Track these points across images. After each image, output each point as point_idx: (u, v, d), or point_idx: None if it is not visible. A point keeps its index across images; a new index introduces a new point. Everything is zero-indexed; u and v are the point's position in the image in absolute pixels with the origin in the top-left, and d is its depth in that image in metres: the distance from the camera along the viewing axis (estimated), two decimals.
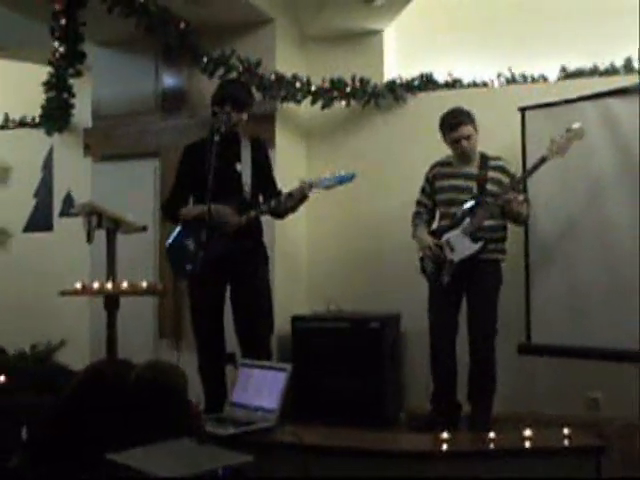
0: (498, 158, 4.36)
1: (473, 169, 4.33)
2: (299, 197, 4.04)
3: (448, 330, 4.32)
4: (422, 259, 4.40)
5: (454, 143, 4.32)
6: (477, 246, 4.21)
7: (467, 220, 4.23)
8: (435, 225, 4.47)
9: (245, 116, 4.16)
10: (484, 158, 4.34)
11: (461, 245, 4.23)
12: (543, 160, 4.14)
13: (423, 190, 4.50)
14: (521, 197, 4.24)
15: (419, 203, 4.52)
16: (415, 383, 4.96)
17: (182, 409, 2.90)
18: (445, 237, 4.29)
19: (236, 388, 3.68)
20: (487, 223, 4.23)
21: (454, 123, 4.29)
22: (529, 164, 4.34)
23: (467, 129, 4.28)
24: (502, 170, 4.32)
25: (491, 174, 4.30)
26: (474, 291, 4.28)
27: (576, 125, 4.11)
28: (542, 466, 3.13)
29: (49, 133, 6.10)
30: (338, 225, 5.45)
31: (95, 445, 2.59)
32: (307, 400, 4.74)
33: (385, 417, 4.73)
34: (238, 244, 4.04)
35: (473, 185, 4.29)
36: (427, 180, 4.48)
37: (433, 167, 4.46)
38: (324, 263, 5.48)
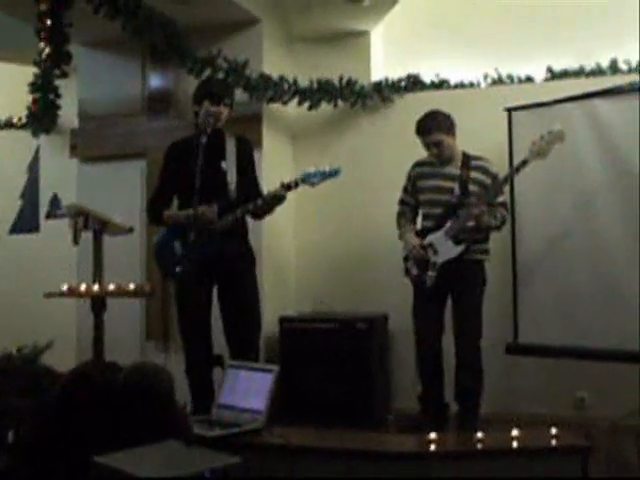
0: (480, 158, 4.37)
1: (455, 169, 4.34)
2: (273, 201, 4.04)
3: (434, 331, 4.33)
4: (406, 261, 4.41)
5: (426, 148, 4.35)
6: (460, 248, 4.22)
7: (449, 222, 4.24)
8: (418, 225, 4.48)
9: (225, 110, 4.13)
10: (466, 158, 4.35)
11: (444, 247, 4.24)
12: (524, 163, 4.16)
13: (405, 189, 4.51)
14: (500, 199, 4.27)
15: (402, 202, 4.53)
16: (403, 383, 4.97)
17: (169, 411, 2.89)
18: (428, 239, 4.30)
19: (223, 390, 3.67)
20: (469, 224, 4.23)
21: (423, 129, 4.31)
22: (514, 165, 4.35)
23: (435, 136, 4.28)
24: (484, 171, 4.33)
25: (473, 174, 4.31)
26: (458, 292, 4.29)
27: (557, 127, 4.12)
28: (529, 466, 3.13)
29: (35, 134, 6.08)
30: (326, 226, 5.45)
31: (82, 447, 2.58)
32: (295, 401, 4.74)
33: (373, 418, 4.74)
34: (225, 246, 4.03)
35: (455, 186, 4.30)
36: (409, 179, 4.48)
37: (414, 166, 4.47)
38: (312, 264, 5.47)
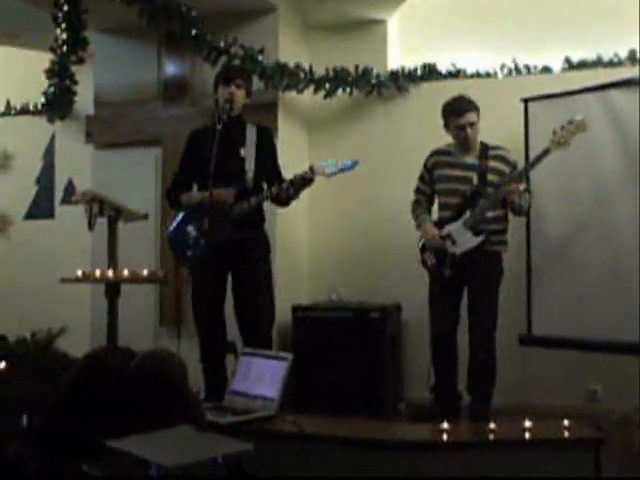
0: (499, 147, 4.34)
1: (473, 159, 4.31)
2: (302, 183, 4.02)
3: (449, 322, 4.32)
4: (422, 252, 4.39)
5: (458, 130, 4.29)
6: (479, 239, 4.20)
7: (468, 212, 4.22)
8: (435, 215, 4.46)
9: (238, 91, 4.11)
10: (484, 148, 4.32)
11: (462, 238, 4.21)
12: (546, 152, 4.12)
13: (422, 178, 4.48)
14: (522, 187, 4.23)
15: (418, 191, 4.50)
16: (415, 373, 4.96)
17: (182, 397, 2.90)
18: (446, 229, 4.27)
19: (236, 377, 3.67)
20: (488, 214, 4.21)
21: (460, 109, 4.27)
22: (532, 155, 4.33)
23: (472, 116, 4.26)
24: (503, 160, 4.30)
25: (492, 164, 4.28)
26: (475, 283, 4.27)
27: (579, 117, 4.09)
28: (541, 457, 3.12)
29: (51, 120, 6.08)
30: (340, 215, 5.44)
31: (94, 433, 2.59)
32: (307, 389, 4.75)
33: (385, 407, 4.74)
34: (240, 232, 4.04)
35: (473, 175, 4.27)
36: (425, 168, 4.46)
37: (432, 155, 4.44)
38: (325, 253, 5.47)
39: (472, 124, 4.26)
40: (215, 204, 3.94)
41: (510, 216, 4.35)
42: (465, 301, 4.32)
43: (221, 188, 3.95)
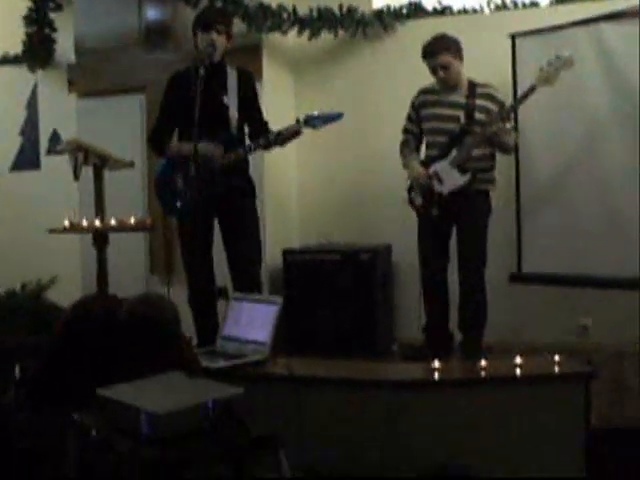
0: (486, 85, 4.28)
1: (460, 97, 4.26)
2: (290, 135, 3.98)
3: (439, 261, 4.33)
4: (410, 191, 4.37)
5: (432, 71, 4.25)
6: (466, 178, 4.17)
7: (455, 151, 4.19)
8: (422, 154, 4.43)
9: (218, 37, 4.02)
10: (472, 86, 4.27)
11: (450, 177, 4.19)
12: (532, 89, 4.07)
13: (409, 117, 4.44)
14: (508, 126, 4.20)
15: (406, 130, 4.46)
16: (407, 313, 4.98)
17: (174, 341, 2.90)
18: (433, 168, 4.24)
19: (228, 322, 3.68)
20: (475, 153, 4.18)
21: (430, 51, 4.22)
22: (519, 91, 4.29)
23: (444, 58, 4.19)
24: (490, 98, 4.25)
25: (479, 102, 4.23)
26: (463, 222, 4.26)
27: (566, 53, 4.03)
28: (532, 393, 3.15)
29: (32, 69, 5.98)
30: (329, 157, 5.40)
31: (86, 380, 2.60)
32: (299, 332, 4.78)
33: (377, 348, 4.77)
34: (226, 180, 4.00)
35: (460, 114, 4.22)
36: (413, 107, 4.41)
37: (419, 94, 4.39)
38: (315, 196, 5.45)
39: (444, 66, 4.20)
40: (201, 159, 3.90)
41: (498, 154, 4.32)
42: (455, 240, 4.31)
43: (204, 138, 3.89)
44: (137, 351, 2.77)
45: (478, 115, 4.20)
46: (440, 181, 4.20)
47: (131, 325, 2.82)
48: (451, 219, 4.26)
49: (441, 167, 4.21)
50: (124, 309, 2.87)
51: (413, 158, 4.38)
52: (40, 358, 2.89)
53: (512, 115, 4.29)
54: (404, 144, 4.46)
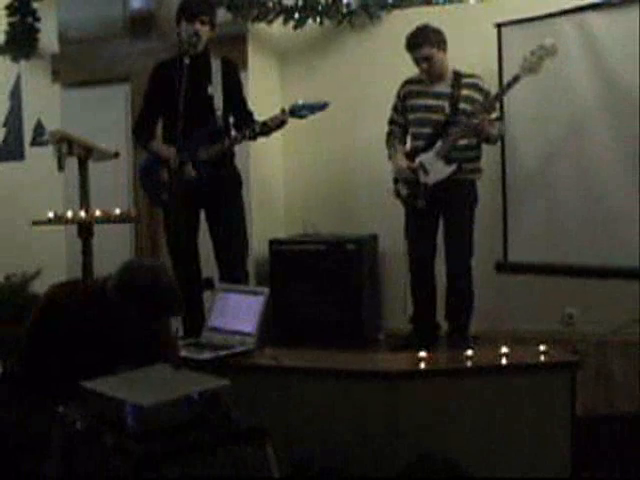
0: (472, 75, 4.28)
1: (445, 87, 4.26)
2: (276, 125, 3.97)
3: (426, 252, 4.33)
4: (396, 182, 4.37)
5: (416, 64, 4.25)
6: (451, 168, 4.17)
7: (440, 141, 4.18)
8: (408, 145, 4.42)
9: (202, 28, 4.00)
10: (457, 76, 4.26)
11: (435, 167, 4.19)
12: (516, 79, 4.06)
13: (395, 108, 4.43)
14: (493, 116, 4.20)
15: (392, 121, 4.45)
16: (394, 303, 4.98)
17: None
18: (418, 159, 4.24)
19: (214, 313, 3.67)
20: (461, 143, 4.18)
21: (413, 44, 4.21)
22: (505, 81, 4.28)
23: (426, 51, 4.18)
24: (476, 88, 4.25)
25: (464, 92, 4.22)
26: (450, 212, 4.26)
27: (548, 41, 4.03)
28: (518, 382, 3.16)
29: (15, 59, 5.94)
30: (314, 147, 5.38)
31: (69, 371, 2.59)
32: (285, 323, 4.78)
33: (364, 338, 4.77)
34: (211, 170, 3.99)
35: (445, 104, 4.22)
36: (398, 97, 4.41)
37: (404, 84, 4.39)
38: (301, 186, 5.43)
39: (426, 58, 4.19)
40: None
41: (483, 144, 4.32)
42: (442, 230, 4.32)
43: (189, 128, 3.88)
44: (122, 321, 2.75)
45: (463, 105, 4.20)
46: (426, 172, 4.20)
47: (130, 293, 2.74)
48: (438, 210, 4.26)
49: (426, 158, 4.21)
50: (113, 280, 2.80)
51: (398, 150, 4.38)
52: (18, 353, 2.87)
53: (497, 105, 4.28)
54: (389, 135, 4.45)
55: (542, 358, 3.23)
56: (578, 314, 4.68)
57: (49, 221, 4.16)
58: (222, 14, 4.51)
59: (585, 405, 3.34)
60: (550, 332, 4.39)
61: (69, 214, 4.16)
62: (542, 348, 3.27)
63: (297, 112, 3.95)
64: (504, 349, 3.26)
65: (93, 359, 2.66)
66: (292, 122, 4.12)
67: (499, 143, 4.44)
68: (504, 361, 3.22)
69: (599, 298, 4.41)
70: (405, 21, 4.82)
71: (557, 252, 4.36)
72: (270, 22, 5.10)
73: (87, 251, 4.19)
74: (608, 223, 4.17)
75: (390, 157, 4.41)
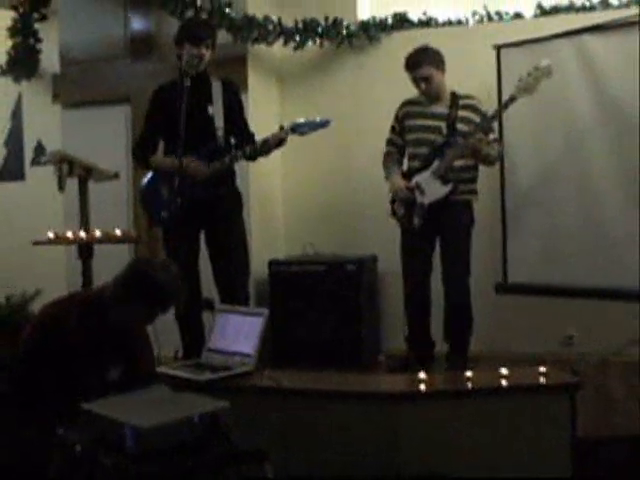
0: (469, 97, 4.31)
1: (443, 108, 4.28)
2: (275, 143, 3.99)
3: (422, 271, 4.33)
4: (393, 202, 4.38)
5: (415, 84, 4.27)
6: (447, 188, 4.18)
7: (436, 162, 4.20)
8: (405, 166, 4.44)
9: (206, 52, 4.04)
10: (455, 97, 4.29)
11: (431, 188, 4.20)
12: (512, 99, 4.10)
13: (393, 129, 4.46)
14: (491, 137, 4.22)
15: (389, 142, 4.47)
16: (393, 323, 4.96)
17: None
18: (415, 180, 4.26)
19: (214, 334, 3.66)
20: (457, 164, 4.20)
21: (412, 63, 4.24)
22: (501, 102, 4.30)
23: (425, 71, 4.21)
24: (473, 109, 4.27)
25: (461, 113, 4.25)
26: (446, 232, 4.27)
27: (544, 62, 4.05)
28: (518, 404, 3.15)
29: (17, 80, 5.96)
30: (314, 168, 5.40)
31: (64, 381, 2.60)
32: (285, 344, 4.78)
33: (363, 359, 4.77)
34: (212, 190, 4.00)
35: (442, 125, 4.25)
36: (396, 118, 4.43)
37: (402, 105, 4.41)
38: (300, 206, 5.45)
39: (425, 78, 4.22)
40: (185, 174, 3.89)
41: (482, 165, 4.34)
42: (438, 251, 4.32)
43: (190, 150, 3.89)
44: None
45: (460, 126, 4.22)
46: (422, 192, 4.22)
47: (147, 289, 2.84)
48: (433, 230, 4.27)
49: (423, 178, 4.22)
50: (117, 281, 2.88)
51: (395, 170, 4.40)
52: (14, 374, 2.87)
53: (494, 126, 4.30)
54: (387, 156, 4.47)
55: (542, 379, 3.22)
56: (578, 335, 4.68)
57: (49, 241, 4.17)
58: (222, 36, 4.54)
59: (585, 426, 3.32)
60: (549, 353, 4.38)
61: (69, 234, 4.17)
62: (542, 369, 3.26)
63: (298, 129, 3.96)
64: (504, 370, 3.25)
65: (87, 366, 2.68)
66: (291, 143, 4.14)
67: (497, 164, 4.45)
68: (504, 382, 3.21)
69: (599, 319, 4.41)
70: (404, 43, 4.84)
71: (556, 273, 4.36)
72: (270, 44, 5.14)
73: (87, 271, 4.19)
74: (607, 244, 4.17)
75: (387, 177, 4.43)
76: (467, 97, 4.30)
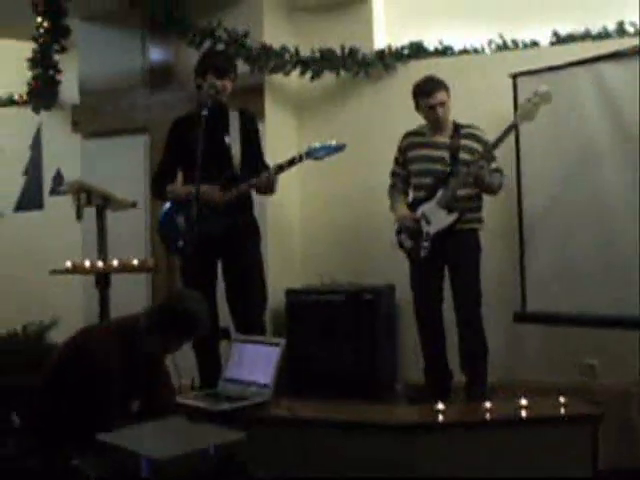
0: (470, 126, 4.32)
1: (445, 138, 4.29)
2: (289, 162, 4.00)
3: (433, 302, 4.32)
4: (399, 234, 4.37)
5: (429, 110, 4.27)
6: (452, 217, 4.19)
7: (441, 191, 4.20)
8: (410, 196, 4.44)
9: (229, 84, 4.08)
10: (456, 127, 4.31)
11: (437, 217, 4.20)
12: (512, 127, 4.12)
13: (397, 160, 4.48)
14: (493, 165, 4.21)
15: (393, 174, 4.50)
16: (410, 354, 4.93)
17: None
18: (420, 210, 4.26)
19: (230, 364, 3.66)
20: (462, 193, 4.20)
21: (429, 89, 4.26)
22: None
23: (442, 95, 4.24)
24: (475, 138, 4.28)
25: (464, 142, 4.26)
26: (454, 262, 4.26)
27: (542, 88, 4.06)
28: (539, 435, 3.12)
29: (36, 110, 6.03)
30: (331, 197, 5.40)
31: (87, 412, 2.60)
32: (302, 374, 4.74)
33: (380, 389, 4.72)
34: (229, 219, 4.01)
35: (446, 154, 4.26)
36: (400, 150, 4.45)
37: (405, 137, 4.44)
38: (317, 236, 5.44)
39: (442, 103, 4.24)
40: (202, 201, 3.90)
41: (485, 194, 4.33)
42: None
43: (207, 179, 3.90)
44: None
45: (462, 155, 4.23)
46: (428, 222, 4.22)
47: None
48: (441, 259, 4.26)
49: (428, 208, 4.23)
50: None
51: (400, 201, 4.42)
52: (34, 403, 2.87)
53: (493, 155, 4.27)
54: (392, 187, 4.50)
55: (562, 410, 3.19)
56: (599, 365, 4.62)
57: (67, 271, 4.18)
58: (240, 66, 4.56)
59: (608, 459, 3.27)
60: (570, 383, 4.32)
61: (87, 264, 4.18)
62: (562, 400, 3.23)
63: (313, 154, 3.96)
64: (523, 401, 3.22)
65: (113, 396, 2.69)
66: (309, 172, 4.16)
67: (514, 192, 4.43)
68: (523, 413, 3.18)
69: (620, 348, 4.35)
70: (420, 72, 4.84)
71: (575, 301, 4.31)
72: (287, 73, 5.17)
73: (104, 301, 4.20)
74: (625, 271, 4.13)
75: (392, 209, 4.44)
76: (469, 126, 4.33)
